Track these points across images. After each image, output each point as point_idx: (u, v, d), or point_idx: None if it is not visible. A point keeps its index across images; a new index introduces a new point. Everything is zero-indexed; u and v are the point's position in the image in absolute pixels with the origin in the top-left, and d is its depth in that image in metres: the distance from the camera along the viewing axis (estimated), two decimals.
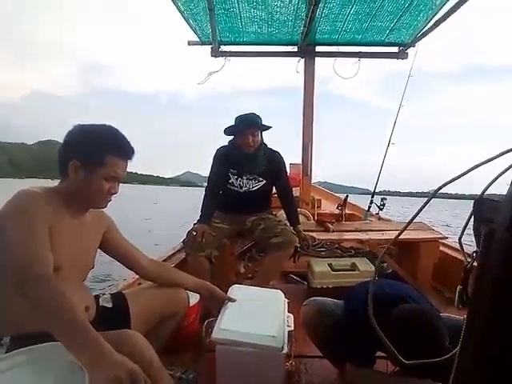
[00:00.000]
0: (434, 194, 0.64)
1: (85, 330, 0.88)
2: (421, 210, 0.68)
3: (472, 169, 0.55)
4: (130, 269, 1.39)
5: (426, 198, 0.66)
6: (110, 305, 1.29)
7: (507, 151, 0.49)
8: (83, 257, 1.17)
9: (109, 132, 1.13)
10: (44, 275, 0.93)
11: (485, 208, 0.54)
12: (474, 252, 0.53)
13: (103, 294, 1.35)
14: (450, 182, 0.59)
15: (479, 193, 0.56)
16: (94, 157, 1.08)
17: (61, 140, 1.13)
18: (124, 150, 1.14)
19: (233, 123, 2.32)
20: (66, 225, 1.08)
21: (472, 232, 0.55)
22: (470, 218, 0.56)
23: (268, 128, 2.36)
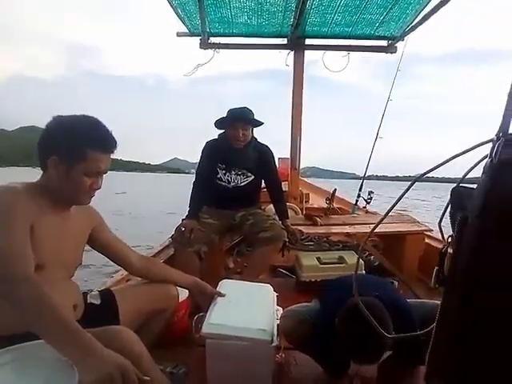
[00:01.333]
0: (412, 184, 0.69)
1: (70, 329, 0.87)
2: (400, 198, 0.71)
3: (449, 159, 0.60)
4: (119, 265, 1.38)
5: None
6: (98, 302, 1.28)
7: (481, 144, 0.54)
8: (68, 253, 1.14)
9: (89, 125, 1.07)
10: (24, 276, 0.91)
11: (461, 196, 0.58)
12: (450, 236, 0.58)
13: (91, 291, 1.34)
14: (429, 171, 0.64)
15: (458, 176, 0.61)
16: (73, 152, 1.03)
17: (44, 126, 1.07)
18: (106, 143, 1.09)
19: (223, 115, 2.29)
20: (48, 221, 1.05)
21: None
22: (448, 205, 0.61)
23: (260, 124, 2.34)
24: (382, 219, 0.76)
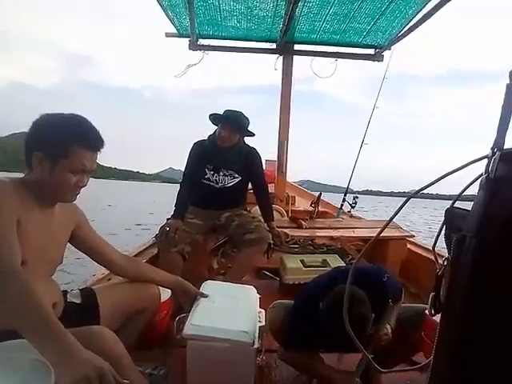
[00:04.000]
0: (407, 201, 0.68)
1: (52, 327, 0.85)
2: (396, 213, 0.71)
3: (444, 176, 0.58)
4: (101, 264, 1.36)
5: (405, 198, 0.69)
6: (78, 300, 1.26)
7: (477, 160, 0.52)
8: (51, 251, 1.13)
9: (74, 121, 1.07)
10: (10, 269, 0.90)
11: (456, 217, 0.56)
12: (446, 259, 0.54)
13: (72, 290, 1.32)
14: (424, 188, 0.62)
15: (451, 194, 0.60)
16: (57, 148, 1.02)
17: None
18: (90, 140, 1.08)
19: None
20: (33, 217, 1.04)
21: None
22: (443, 226, 0.59)
23: (250, 135, 2.37)
24: (382, 230, 0.72)
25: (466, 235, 0.49)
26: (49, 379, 0.80)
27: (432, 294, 0.57)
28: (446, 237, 0.57)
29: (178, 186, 2.38)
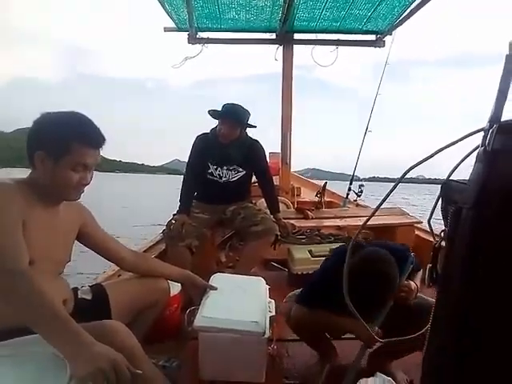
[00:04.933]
0: (400, 180, 0.67)
1: (64, 323, 0.87)
2: (388, 195, 0.70)
3: (435, 153, 0.58)
4: (110, 261, 1.37)
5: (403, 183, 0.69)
6: (89, 297, 1.27)
7: (472, 133, 0.52)
8: (57, 250, 1.14)
9: (74, 119, 1.08)
10: (19, 270, 0.92)
11: (451, 190, 0.56)
12: (442, 231, 0.55)
13: (82, 286, 1.33)
14: (414, 166, 0.62)
15: (445, 176, 0.58)
16: (59, 146, 1.02)
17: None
18: (91, 136, 1.08)
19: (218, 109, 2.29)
20: (38, 217, 1.05)
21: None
22: (438, 200, 0.59)
23: (251, 126, 2.35)
24: (374, 213, 0.74)
25: (462, 207, 0.49)
26: (64, 372, 0.82)
27: (429, 265, 0.57)
28: (443, 210, 0.57)
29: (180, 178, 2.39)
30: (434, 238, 0.57)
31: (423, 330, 0.92)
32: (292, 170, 3.93)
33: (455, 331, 0.51)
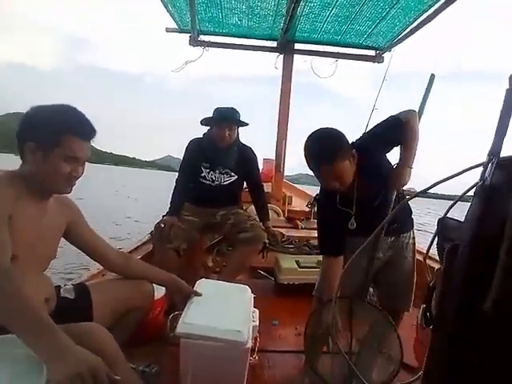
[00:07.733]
0: (404, 203, 0.66)
1: (44, 325, 0.85)
2: (392, 216, 0.70)
3: (439, 182, 0.58)
4: (96, 260, 1.35)
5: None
6: (72, 296, 1.25)
7: (472, 167, 0.51)
8: (43, 246, 1.12)
9: (64, 111, 1.08)
10: (0, 268, 0.89)
11: (447, 227, 0.55)
12: (438, 269, 0.53)
13: (65, 285, 1.31)
14: (418, 194, 0.61)
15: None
16: (49, 137, 1.02)
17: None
18: (82, 129, 1.08)
19: (210, 115, 2.29)
20: (26, 211, 1.03)
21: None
22: (435, 236, 0.58)
23: (245, 124, 2.36)
24: (378, 235, 0.73)
25: (459, 244, 0.48)
26: (41, 375, 0.80)
27: (423, 306, 0.56)
28: (439, 247, 0.57)
29: (174, 174, 2.38)
30: (429, 276, 0.56)
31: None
32: (284, 173, 3.93)
33: (449, 370, 0.49)
